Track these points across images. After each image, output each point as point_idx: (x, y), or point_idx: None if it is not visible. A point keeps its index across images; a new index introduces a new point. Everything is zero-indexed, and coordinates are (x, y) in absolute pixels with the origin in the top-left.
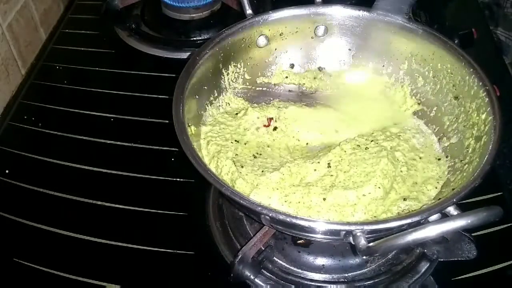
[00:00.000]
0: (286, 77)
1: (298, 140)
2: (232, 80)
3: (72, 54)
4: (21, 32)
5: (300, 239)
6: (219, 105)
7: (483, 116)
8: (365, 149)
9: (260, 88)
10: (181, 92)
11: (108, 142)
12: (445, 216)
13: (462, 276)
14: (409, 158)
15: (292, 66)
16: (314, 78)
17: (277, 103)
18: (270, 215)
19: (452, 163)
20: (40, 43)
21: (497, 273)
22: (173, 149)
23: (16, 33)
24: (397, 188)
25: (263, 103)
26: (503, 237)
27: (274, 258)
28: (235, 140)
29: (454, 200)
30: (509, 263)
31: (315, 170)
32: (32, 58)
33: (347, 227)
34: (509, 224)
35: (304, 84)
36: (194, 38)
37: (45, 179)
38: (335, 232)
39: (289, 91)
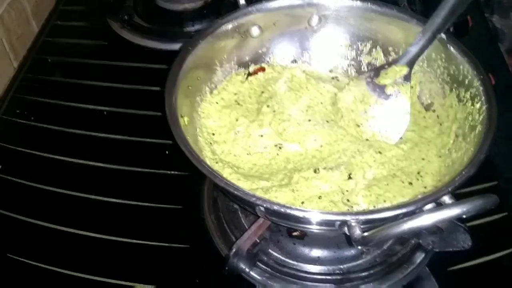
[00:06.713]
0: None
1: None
2: (225, 71)
3: (64, 47)
4: (12, 25)
5: (295, 231)
6: (213, 96)
7: (478, 106)
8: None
9: (254, 79)
10: (173, 84)
11: (101, 135)
12: (440, 206)
13: (458, 266)
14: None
15: (294, 61)
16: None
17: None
18: (264, 205)
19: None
20: (32, 35)
21: (493, 263)
22: (167, 141)
23: (8, 26)
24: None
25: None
26: (498, 227)
27: (269, 250)
28: None
29: (449, 189)
30: (504, 253)
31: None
32: (24, 51)
33: (341, 217)
34: (504, 214)
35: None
36: (188, 29)
37: (38, 173)
38: (330, 223)
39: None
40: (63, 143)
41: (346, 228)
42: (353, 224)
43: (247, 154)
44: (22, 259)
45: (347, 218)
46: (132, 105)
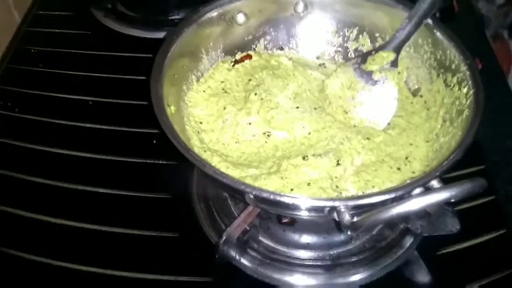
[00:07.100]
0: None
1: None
2: (211, 59)
3: (47, 37)
4: None
5: (285, 217)
6: (199, 85)
7: (465, 90)
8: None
9: (240, 67)
10: (159, 73)
11: (88, 125)
12: (428, 190)
13: (446, 250)
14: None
15: (281, 49)
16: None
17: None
18: (253, 193)
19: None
20: (14, 26)
21: (481, 245)
22: (155, 131)
23: None
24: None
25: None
26: (486, 210)
27: (260, 237)
28: None
29: (437, 173)
30: (492, 235)
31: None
32: (7, 42)
33: (331, 203)
34: (491, 197)
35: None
36: (172, 17)
37: (24, 165)
38: (319, 209)
39: None
40: (48, 134)
41: (335, 214)
42: (342, 210)
43: (236, 142)
44: (9, 251)
45: (336, 204)
46: (117, 95)
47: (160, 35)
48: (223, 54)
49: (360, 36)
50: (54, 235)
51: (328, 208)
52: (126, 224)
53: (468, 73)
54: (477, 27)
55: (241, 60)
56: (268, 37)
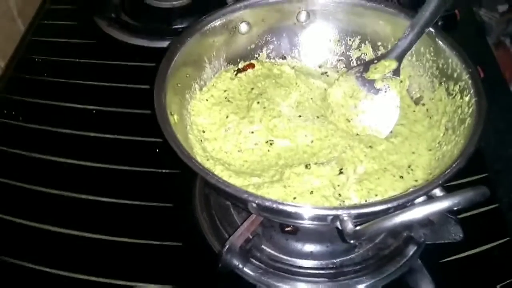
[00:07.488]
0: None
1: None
2: (214, 68)
3: (51, 46)
4: None
5: (288, 226)
6: (202, 94)
7: (467, 99)
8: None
9: (243, 76)
10: (163, 81)
11: (91, 134)
12: (431, 199)
13: (450, 258)
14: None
15: (283, 57)
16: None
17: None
18: (256, 201)
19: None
20: (18, 35)
21: (484, 254)
22: (157, 140)
23: None
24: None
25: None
26: (489, 219)
27: (262, 246)
28: None
29: (440, 182)
30: (495, 244)
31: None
32: (11, 51)
33: (334, 212)
34: (494, 206)
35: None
36: (176, 26)
37: (27, 174)
38: (322, 217)
39: None
40: (52, 143)
41: (338, 223)
42: (345, 218)
43: (238, 151)
44: (12, 260)
45: (339, 212)
46: (121, 104)
47: (164, 44)
48: (226, 63)
49: (362, 44)
50: (58, 244)
51: (331, 217)
52: (129, 233)
53: (470, 81)
54: (479, 35)
55: (244, 69)
56: (270, 46)
